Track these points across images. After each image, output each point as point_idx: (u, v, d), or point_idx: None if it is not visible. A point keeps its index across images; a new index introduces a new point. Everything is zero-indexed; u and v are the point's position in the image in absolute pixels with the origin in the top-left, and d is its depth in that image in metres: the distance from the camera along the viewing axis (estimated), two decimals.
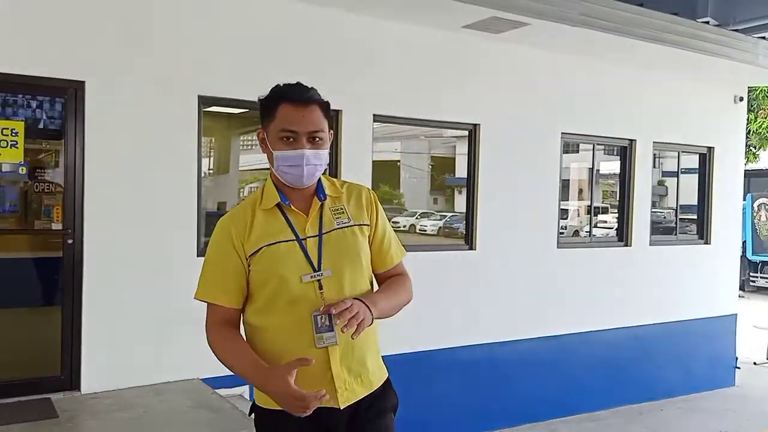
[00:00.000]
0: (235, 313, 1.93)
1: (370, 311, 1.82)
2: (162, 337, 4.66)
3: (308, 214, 1.93)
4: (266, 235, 1.89)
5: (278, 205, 1.93)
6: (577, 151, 8.11)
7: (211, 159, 6.42)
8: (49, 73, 4.30)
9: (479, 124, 6.14)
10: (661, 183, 11.16)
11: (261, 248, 1.87)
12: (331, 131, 2.00)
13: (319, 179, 1.98)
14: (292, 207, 1.93)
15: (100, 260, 4.48)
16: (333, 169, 5.43)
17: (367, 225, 2.00)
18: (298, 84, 1.92)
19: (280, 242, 1.88)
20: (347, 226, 1.95)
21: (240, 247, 1.88)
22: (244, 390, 4.92)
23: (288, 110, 1.86)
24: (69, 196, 4.46)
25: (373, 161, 5.66)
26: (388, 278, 2.07)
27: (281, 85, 1.92)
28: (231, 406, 4.28)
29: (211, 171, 6.32)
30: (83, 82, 4.40)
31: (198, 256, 4.83)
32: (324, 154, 1.92)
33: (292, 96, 1.88)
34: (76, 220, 4.45)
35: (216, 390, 4.57)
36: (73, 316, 4.46)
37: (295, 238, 1.89)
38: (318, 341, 1.83)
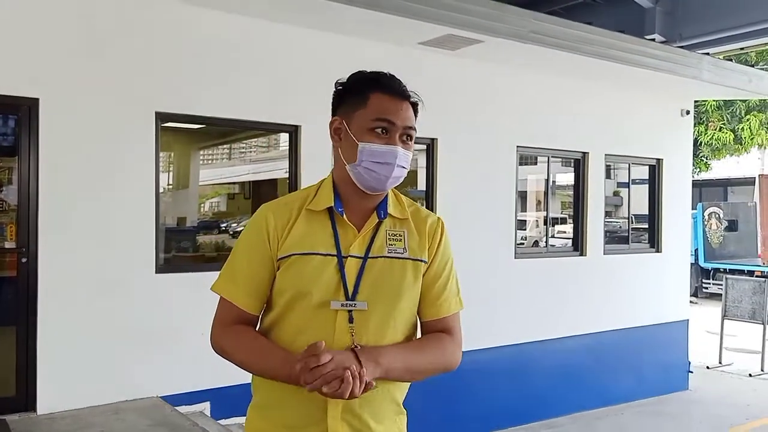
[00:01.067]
0: (253, 319, 1.66)
1: (368, 367, 1.46)
2: (120, 355, 4.62)
3: (360, 230, 1.63)
4: (303, 241, 1.60)
5: (329, 210, 1.63)
6: (535, 163, 8.30)
7: (171, 174, 6.39)
8: (2, 90, 4.26)
9: (436, 139, 6.26)
10: (616, 193, 11.47)
11: (292, 255, 1.59)
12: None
13: (387, 193, 1.69)
14: (345, 217, 1.62)
15: (56, 279, 4.44)
16: (293, 184, 5.48)
17: (424, 262, 1.66)
18: (394, 75, 1.68)
19: (316, 254, 1.58)
20: (398, 257, 1.63)
21: (275, 246, 1.61)
22: (205, 407, 4.91)
23: (384, 99, 1.61)
24: (23, 214, 4.41)
25: None
26: (433, 332, 1.68)
27: (367, 71, 1.68)
28: (191, 423, 4.26)
29: (170, 186, 6.29)
30: (37, 99, 4.37)
31: (157, 272, 4.82)
32: (411, 157, 1.66)
33: (390, 85, 1.64)
34: (31, 238, 4.40)
35: (175, 407, 4.55)
36: (28, 336, 4.39)
37: (335, 253, 1.59)
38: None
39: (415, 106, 1.67)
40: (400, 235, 1.66)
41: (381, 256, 1.61)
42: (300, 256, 1.58)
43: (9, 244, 4.45)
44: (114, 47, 4.66)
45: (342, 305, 1.55)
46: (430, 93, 6.32)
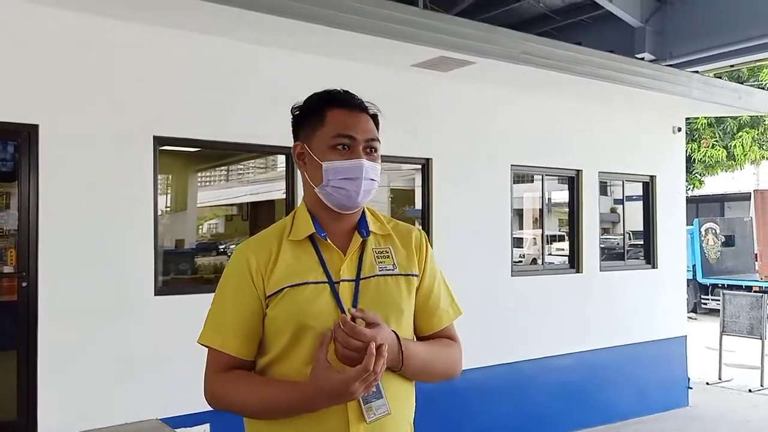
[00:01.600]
0: (246, 365, 1.58)
1: (400, 345, 1.51)
2: (120, 377, 4.65)
3: (346, 252, 1.59)
4: (292, 273, 1.55)
5: (311, 237, 1.60)
6: (532, 181, 8.39)
7: (169, 196, 6.46)
8: (2, 117, 4.34)
9: (431, 159, 6.34)
10: (613, 210, 11.54)
11: (283, 289, 1.54)
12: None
13: (364, 210, 1.67)
14: (329, 241, 1.59)
15: (56, 302, 4.47)
16: (290, 205, 5.55)
17: (416, 276, 1.65)
18: (345, 90, 1.66)
19: (308, 283, 1.54)
20: (390, 275, 1.61)
21: (260, 284, 1.55)
22: (205, 428, 4.92)
23: (341, 115, 1.59)
24: (23, 239, 4.45)
25: None
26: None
27: (320, 91, 1.66)
28: None
29: (169, 208, 6.35)
30: (37, 126, 4.44)
31: (156, 294, 4.86)
32: (379, 169, 1.63)
33: (345, 99, 1.62)
34: (31, 263, 4.45)
35: (175, 430, 4.56)
36: (29, 360, 4.42)
37: (327, 279, 1.55)
38: (368, 414, 1.49)
39: (375, 117, 1.65)
40: (386, 252, 1.63)
41: (373, 276, 1.59)
42: (292, 288, 1.53)
43: (8, 269, 4.50)
44: (112, 74, 4.74)
45: None
46: (424, 114, 6.46)
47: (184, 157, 6.34)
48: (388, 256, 1.63)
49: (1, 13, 4.33)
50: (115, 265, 4.70)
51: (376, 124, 1.65)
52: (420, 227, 6.39)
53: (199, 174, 7.29)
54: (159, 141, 4.93)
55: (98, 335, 4.58)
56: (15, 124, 4.40)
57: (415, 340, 1.66)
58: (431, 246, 1.74)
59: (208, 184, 7.52)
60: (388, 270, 1.61)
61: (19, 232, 4.47)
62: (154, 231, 4.88)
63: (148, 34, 4.85)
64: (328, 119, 1.59)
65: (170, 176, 6.36)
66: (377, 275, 1.59)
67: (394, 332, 1.51)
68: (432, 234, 6.31)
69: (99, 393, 4.56)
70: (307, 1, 4.62)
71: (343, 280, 1.56)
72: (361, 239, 1.62)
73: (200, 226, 7.25)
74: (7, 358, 4.49)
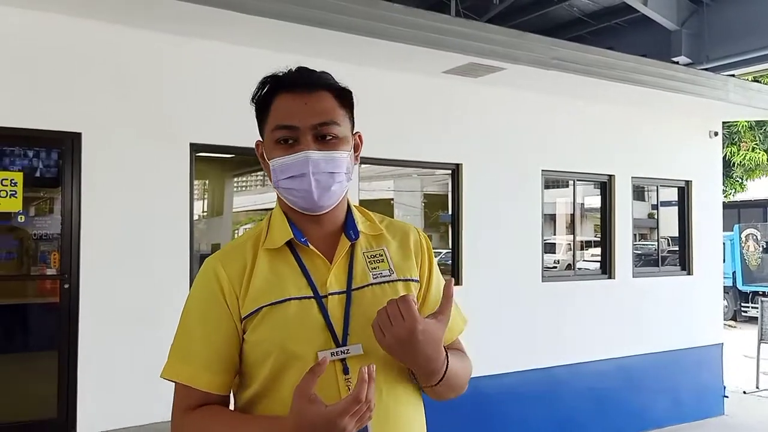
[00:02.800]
0: (220, 401, 1.33)
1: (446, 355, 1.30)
2: (158, 378, 4.77)
3: (333, 259, 1.34)
4: (271, 288, 1.30)
5: (290, 244, 1.34)
6: (567, 186, 8.34)
7: (205, 201, 6.61)
8: (48, 125, 4.53)
9: (461, 164, 6.38)
10: (651, 215, 11.38)
11: (262, 308, 1.28)
12: (357, 133, 1.43)
13: (350, 210, 1.41)
14: (311, 247, 1.34)
15: (96, 305, 4.64)
16: None
17: (416, 281, 1.39)
18: (301, 67, 1.41)
19: (290, 300, 1.29)
20: (388, 281, 1.35)
21: (233, 303, 1.30)
22: None
23: (284, 101, 1.33)
24: (65, 242, 4.63)
25: (365, 200, 5.90)
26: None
27: (268, 75, 1.41)
28: None
29: (206, 213, 6.50)
30: (80, 134, 4.62)
31: None
32: (342, 158, 1.33)
33: (289, 81, 1.36)
34: (72, 266, 4.62)
35: None
36: (69, 360, 4.59)
37: (312, 294, 1.30)
38: None
39: (341, 92, 1.38)
40: (380, 255, 1.37)
41: (367, 285, 1.33)
42: (271, 306, 1.28)
43: (51, 271, 4.68)
44: (151, 84, 4.91)
45: (333, 354, 1.26)
46: (455, 120, 6.52)
47: (220, 163, 6.49)
48: (383, 260, 1.37)
49: (45, 26, 4.52)
50: (153, 269, 4.85)
51: (346, 100, 1.38)
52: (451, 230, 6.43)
53: (234, 179, 7.44)
54: (195, 148, 5.07)
55: (136, 336, 4.73)
56: (59, 132, 4.60)
57: None
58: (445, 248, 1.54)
59: (243, 189, 7.68)
60: (384, 277, 1.35)
61: (61, 235, 4.65)
62: (189, 235, 5.02)
63: (186, 45, 5.00)
64: (273, 108, 1.35)
65: (206, 182, 6.52)
66: (372, 284, 1.33)
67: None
68: (462, 239, 6.34)
69: (138, 392, 4.70)
70: (340, 11, 4.73)
71: (332, 293, 1.30)
72: (350, 243, 1.36)
73: (236, 231, 7.40)
74: (48, 357, 4.66)
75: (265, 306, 1.28)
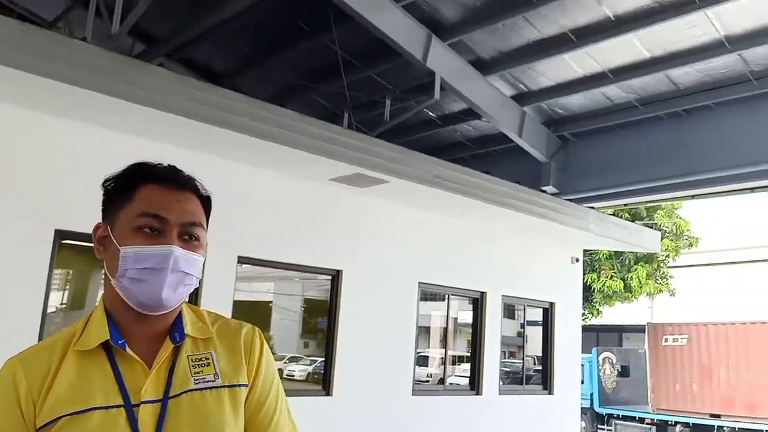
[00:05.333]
0: None
1: None
2: None
3: (152, 363, 1.23)
4: (74, 395, 1.16)
5: (105, 347, 1.22)
6: (443, 300, 8.52)
7: (66, 293, 6.15)
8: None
9: (342, 270, 6.42)
10: (520, 334, 11.78)
11: (59, 419, 1.14)
12: (206, 243, 1.34)
13: (181, 310, 1.31)
14: (128, 350, 1.22)
15: None
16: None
17: (245, 386, 1.29)
18: (172, 165, 1.35)
19: (93, 409, 1.15)
20: (210, 388, 1.24)
21: (29, 412, 1.16)
22: None
23: (155, 191, 1.27)
24: None
25: (243, 301, 5.73)
26: None
27: (137, 162, 1.33)
28: None
29: (64, 306, 6.03)
30: None
31: None
32: (199, 262, 1.27)
33: (162, 174, 1.29)
34: None
35: None
36: None
37: (123, 402, 1.17)
38: None
39: (206, 200, 1.34)
40: (206, 359, 1.27)
41: (186, 392, 1.22)
42: (71, 417, 1.14)
43: None
44: (18, 167, 4.66)
45: None
46: (339, 226, 6.57)
47: (89, 252, 6.13)
48: (209, 364, 1.26)
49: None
50: None
51: (207, 208, 1.34)
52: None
53: (102, 270, 7.03)
54: (60, 235, 4.79)
55: None
56: None
57: None
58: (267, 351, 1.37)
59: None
60: (207, 382, 1.24)
61: None
62: (40, 331, 4.64)
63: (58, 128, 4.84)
64: (139, 194, 1.26)
65: (70, 271, 6.11)
66: (192, 390, 1.22)
67: None
68: (336, 347, 6.27)
69: None
70: (239, 112, 4.79)
71: (146, 402, 1.18)
72: (173, 345, 1.25)
73: None
74: None
75: (65, 416, 1.14)
